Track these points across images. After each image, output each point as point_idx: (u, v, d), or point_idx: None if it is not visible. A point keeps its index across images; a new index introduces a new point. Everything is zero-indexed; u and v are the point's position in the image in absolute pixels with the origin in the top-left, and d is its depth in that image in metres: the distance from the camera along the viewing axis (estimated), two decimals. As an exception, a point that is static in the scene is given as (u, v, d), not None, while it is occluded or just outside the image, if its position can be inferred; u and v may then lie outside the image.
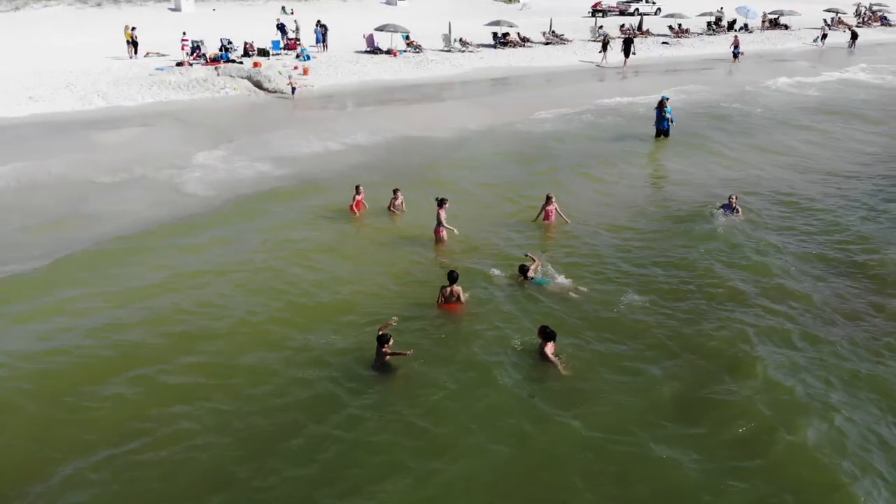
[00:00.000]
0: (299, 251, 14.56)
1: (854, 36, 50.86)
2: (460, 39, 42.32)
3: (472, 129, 24.96)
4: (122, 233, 15.08)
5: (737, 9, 56.51)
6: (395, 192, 17.06)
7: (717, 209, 16.90)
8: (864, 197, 18.82)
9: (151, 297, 12.36)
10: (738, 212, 16.66)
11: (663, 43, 48.37)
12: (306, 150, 21.87)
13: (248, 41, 35.74)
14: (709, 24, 55.26)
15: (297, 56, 36.05)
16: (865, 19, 63.04)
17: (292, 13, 49.21)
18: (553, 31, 47.42)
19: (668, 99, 24.54)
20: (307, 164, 20.57)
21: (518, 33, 44.92)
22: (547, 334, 10.75)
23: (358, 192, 16.76)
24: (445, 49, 41.18)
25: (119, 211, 16.43)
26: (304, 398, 9.83)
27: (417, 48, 40.32)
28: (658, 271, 13.83)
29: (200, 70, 30.60)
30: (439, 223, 15.27)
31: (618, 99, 30.71)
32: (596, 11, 61.69)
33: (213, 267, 13.61)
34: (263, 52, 35.62)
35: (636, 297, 12.61)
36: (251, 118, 25.62)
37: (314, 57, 36.26)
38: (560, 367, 10.52)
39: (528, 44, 44.62)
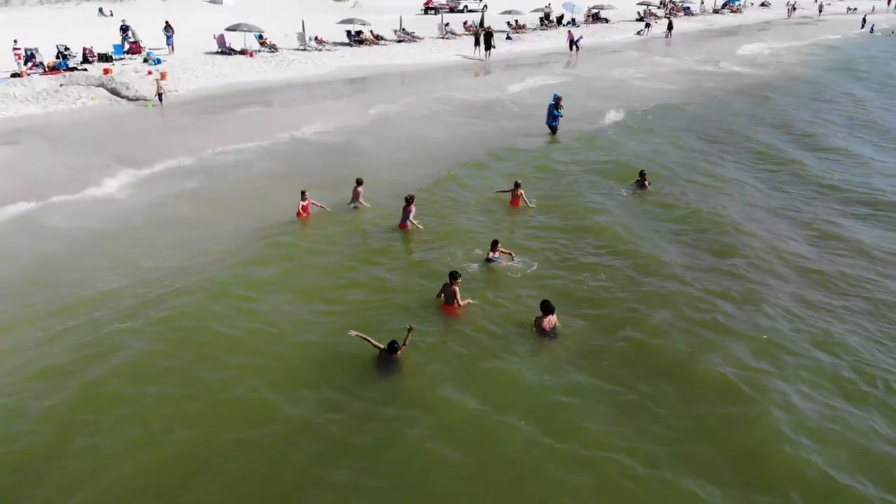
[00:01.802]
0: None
1: (670, 26, 56.05)
2: (315, 38, 41.00)
3: (361, 128, 24.51)
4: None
5: (563, 4, 59.92)
6: (357, 181, 16.77)
7: (632, 184, 18.79)
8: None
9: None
10: (648, 185, 18.61)
11: (507, 38, 50.11)
12: (211, 159, 20.16)
13: (88, 46, 32.06)
14: (541, 19, 58.15)
15: (145, 60, 32.92)
16: (671, 10, 69.60)
17: (111, 14, 45.05)
18: (403, 29, 47.41)
19: (560, 97, 25.32)
20: (219, 173, 18.94)
21: (371, 31, 44.39)
22: (546, 308, 11.26)
23: (303, 198, 15.94)
24: (301, 48, 39.69)
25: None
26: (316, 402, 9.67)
27: (272, 48, 38.48)
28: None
29: (43, 80, 26.94)
30: (406, 218, 15.35)
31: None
32: (428, 9, 62.82)
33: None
34: (106, 58, 32.15)
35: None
36: (125, 129, 23.00)
37: (164, 60, 33.33)
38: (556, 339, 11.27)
39: (383, 41, 44.23)
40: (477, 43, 43.09)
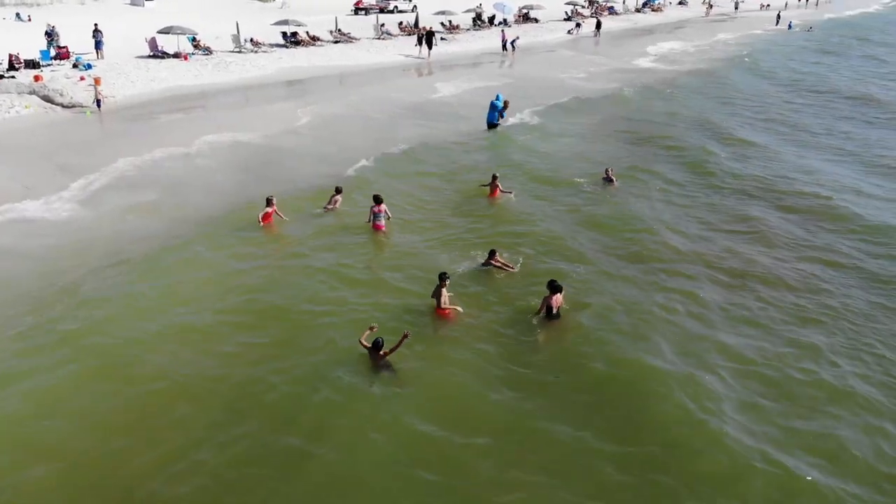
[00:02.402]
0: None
1: (598, 25, 57.61)
2: (251, 40, 40.24)
3: (310, 130, 24.40)
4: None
5: (494, 5, 60.60)
6: (336, 189, 16.83)
7: (599, 180, 19.37)
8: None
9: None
10: (614, 181, 19.07)
11: (442, 39, 50.34)
12: (162, 166, 19.57)
13: (13, 53, 30.47)
14: (473, 20, 58.71)
15: (74, 66, 31.55)
16: (596, 10, 71.41)
17: (29, 19, 42.99)
18: (339, 30, 47.04)
19: (507, 101, 26.11)
20: (173, 181, 18.43)
21: (307, 32, 43.86)
22: (554, 287, 11.69)
23: (269, 204, 15.78)
24: (236, 50, 38.90)
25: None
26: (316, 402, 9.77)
27: (207, 50, 37.55)
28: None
29: (-34, 88, 25.50)
30: (377, 218, 15.42)
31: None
32: (358, 9, 62.66)
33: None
34: (33, 64, 30.63)
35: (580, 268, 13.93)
36: (68, 138, 21.96)
37: (94, 65, 32.03)
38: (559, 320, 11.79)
39: (319, 42, 43.78)
40: (420, 42, 43.56)
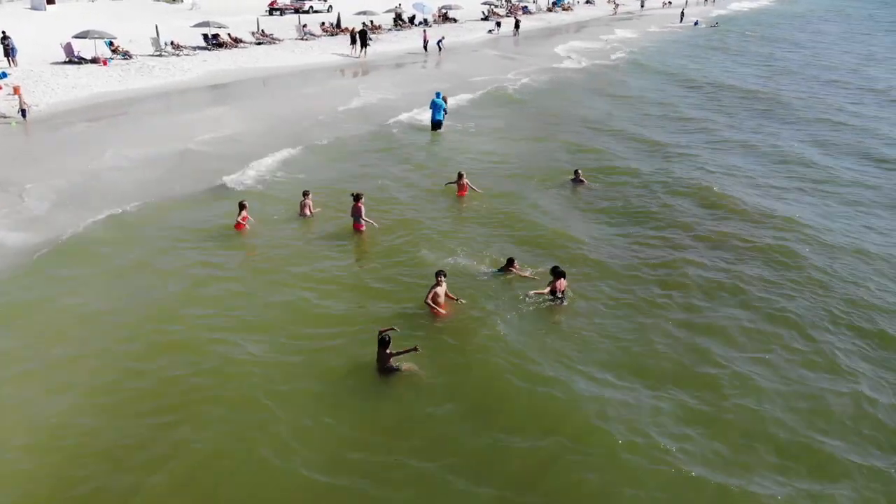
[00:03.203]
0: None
1: (517, 25, 58.83)
2: (171, 42, 38.90)
3: (256, 135, 23.91)
4: None
5: (413, 5, 60.87)
6: (304, 194, 16.60)
7: (568, 181, 19.68)
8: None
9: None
10: (583, 182, 19.46)
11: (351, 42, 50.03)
12: (108, 176, 18.79)
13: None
14: (394, 20, 58.74)
15: (-14, 74, 29.70)
16: (511, 10, 72.78)
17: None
18: (262, 31, 46.10)
19: (443, 95, 26.37)
20: (121, 192, 17.72)
21: (229, 34, 42.79)
22: (557, 273, 12.39)
23: (242, 209, 15.46)
24: (156, 53, 37.57)
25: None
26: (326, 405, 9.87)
27: (126, 54, 36.08)
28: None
29: None
30: (357, 217, 15.37)
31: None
32: (273, 10, 61.79)
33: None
34: (-61, 74, 28.66)
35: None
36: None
37: (9, 73, 30.19)
38: (567, 300, 12.49)
39: (242, 44, 42.81)
40: (353, 42, 43.44)
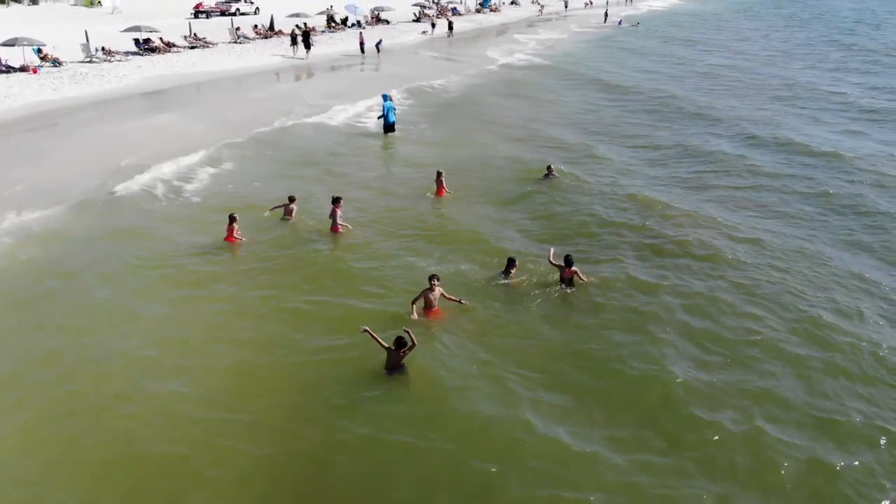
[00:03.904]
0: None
1: (450, 26, 59.37)
2: (102, 48, 37.49)
3: (210, 141, 23.42)
4: None
5: (346, 6, 60.58)
6: (290, 199, 16.57)
7: (542, 177, 20.05)
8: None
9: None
10: (554, 177, 20.00)
11: (291, 44, 49.48)
12: (66, 190, 18.08)
13: None
14: (327, 22, 58.27)
15: None
16: (440, 11, 73.32)
17: None
18: (195, 35, 44.93)
19: (390, 97, 26.59)
20: (93, 207, 17.19)
21: (161, 38, 41.55)
22: (568, 261, 13.18)
23: (231, 222, 15.24)
24: (87, 60, 36.19)
25: None
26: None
27: (56, 62, 34.57)
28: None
29: None
30: (335, 221, 15.55)
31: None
32: (199, 13, 60.57)
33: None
34: None
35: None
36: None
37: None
38: (584, 279, 13.31)
39: (175, 49, 41.65)
40: (294, 43, 43.38)
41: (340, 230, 15.56)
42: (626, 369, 10.94)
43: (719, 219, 17.11)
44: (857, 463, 8.97)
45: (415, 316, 12.03)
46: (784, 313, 12.56)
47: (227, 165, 21.19)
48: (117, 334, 11.51)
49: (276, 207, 16.44)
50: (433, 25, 60.21)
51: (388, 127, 26.08)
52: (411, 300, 12.31)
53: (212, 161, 21.46)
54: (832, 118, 29.76)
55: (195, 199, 18.24)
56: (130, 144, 22.34)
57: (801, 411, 9.98)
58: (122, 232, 15.77)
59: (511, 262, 13.63)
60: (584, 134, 26.80)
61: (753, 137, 25.79)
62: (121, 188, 18.48)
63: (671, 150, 24.41)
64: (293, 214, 16.46)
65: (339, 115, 28.66)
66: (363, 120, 28.20)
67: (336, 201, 15.61)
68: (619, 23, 75.06)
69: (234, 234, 15.18)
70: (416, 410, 10.01)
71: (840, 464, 8.93)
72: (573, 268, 13.26)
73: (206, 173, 20.31)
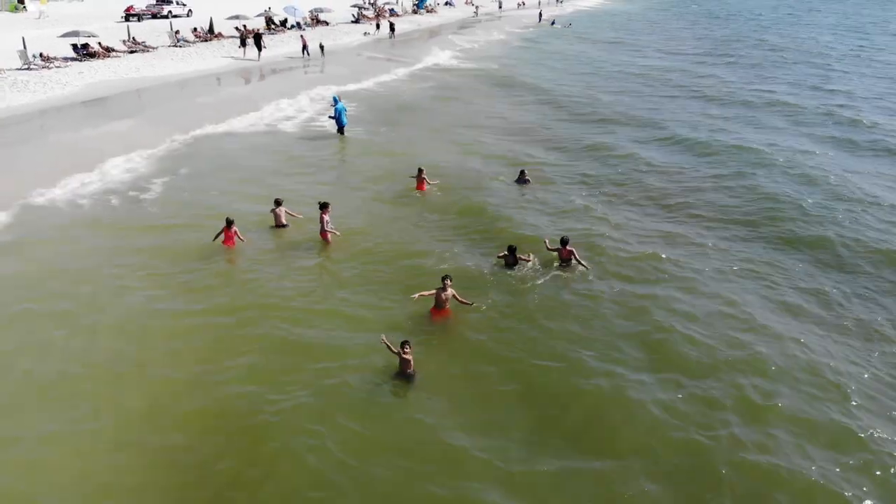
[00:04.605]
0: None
1: (392, 27, 59.87)
2: (40, 55, 36.52)
3: (173, 155, 23.36)
4: None
5: (284, 8, 60.34)
6: (276, 202, 16.57)
7: (515, 180, 20.74)
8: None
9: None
10: (529, 181, 20.65)
11: (242, 44, 49.19)
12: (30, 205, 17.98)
13: None
14: (267, 23, 57.88)
15: None
16: (378, 12, 73.61)
17: None
18: (133, 39, 44.08)
19: (339, 99, 26.91)
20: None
21: (99, 43, 40.66)
22: (564, 241, 14.35)
23: (229, 226, 15.34)
24: (24, 67, 35.17)
25: None
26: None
27: (-9, 69, 33.58)
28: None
29: None
30: (323, 227, 15.65)
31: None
32: (130, 16, 59.27)
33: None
34: None
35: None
36: None
37: None
38: (580, 261, 14.42)
39: (115, 53, 40.79)
40: (243, 45, 43.82)
41: (328, 237, 15.65)
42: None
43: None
44: (790, 465, 9.40)
45: (415, 296, 12.50)
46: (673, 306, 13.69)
47: (183, 171, 21.22)
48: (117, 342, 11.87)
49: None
50: (378, 27, 60.66)
51: (340, 128, 26.48)
52: (422, 292, 12.67)
53: (167, 169, 21.40)
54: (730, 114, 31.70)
55: (152, 210, 18.18)
56: (85, 152, 22.11)
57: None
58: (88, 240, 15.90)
59: (512, 250, 14.39)
60: (530, 142, 27.87)
61: (686, 140, 27.03)
62: (86, 199, 18.49)
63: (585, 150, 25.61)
64: (283, 219, 16.53)
65: (292, 118, 28.88)
66: (317, 122, 28.50)
67: (323, 207, 15.56)
68: (553, 23, 77.01)
69: (234, 238, 15.29)
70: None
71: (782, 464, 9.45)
72: (569, 247, 14.38)
73: (160, 182, 20.22)
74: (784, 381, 11.06)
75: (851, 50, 57.32)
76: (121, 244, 15.86)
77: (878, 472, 9.27)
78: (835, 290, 14.36)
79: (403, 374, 10.94)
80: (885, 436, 9.92)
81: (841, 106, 33.56)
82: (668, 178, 22.10)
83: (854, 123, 30.07)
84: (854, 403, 10.56)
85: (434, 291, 12.62)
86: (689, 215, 18.68)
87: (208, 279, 14.20)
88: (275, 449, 9.45)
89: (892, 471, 9.30)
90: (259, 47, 43.23)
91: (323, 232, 15.68)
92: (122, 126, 25.88)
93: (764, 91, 37.41)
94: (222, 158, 23.14)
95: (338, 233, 15.78)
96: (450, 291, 12.65)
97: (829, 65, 47.96)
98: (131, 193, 19.34)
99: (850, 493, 8.81)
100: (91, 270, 14.44)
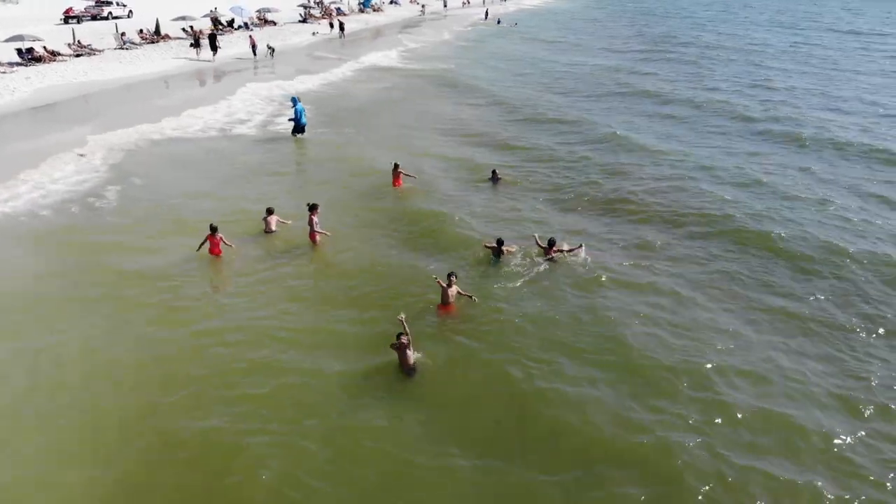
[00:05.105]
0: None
1: (341, 26, 60.09)
2: (-18, 59, 35.76)
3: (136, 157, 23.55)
4: None
5: (231, 8, 59.97)
6: (268, 210, 16.68)
7: (488, 179, 21.42)
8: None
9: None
10: (499, 180, 21.29)
11: (192, 45, 48.76)
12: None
13: None
14: (214, 24, 57.32)
15: None
16: (325, 12, 73.56)
17: None
18: (79, 42, 43.30)
19: (298, 99, 27.15)
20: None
21: (44, 47, 39.87)
22: (551, 242, 15.20)
23: (213, 233, 15.26)
24: (-35, 72, 34.43)
25: None
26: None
27: (-67, 75, 32.74)
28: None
29: None
30: (312, 228, 15.82)
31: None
32: (69, 18, 58.03)
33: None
34: None
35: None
36: None
37: None
38: (566, 255, 15.28)
39: (61, 57, 40.08)
40: (197, 45, 43.89)
41: (318, 238, 15.80)
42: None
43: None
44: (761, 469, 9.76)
45: (436, 278, 13.42)
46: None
47: (136, 181, 21.02)
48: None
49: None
50: (331, 26, 60.91)
51: (300, 128, 26.68)
52: (438, 278, 13.48)
53: (125, 175, 21.35)
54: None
55: (110, 219, 18.05)
56: (38, 159, 22.07)
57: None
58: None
59: (500, 243, 15.16)
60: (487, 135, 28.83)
61: (625, 141, 27.68)
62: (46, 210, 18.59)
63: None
64: (274, 226, 16.62)
65: (246, 121, 29.21)
66: (274, 124, 28.78)
67: (312, 208, 15.71)
68: (499, 21, 78.19)
69: (220, 245, 15.26)
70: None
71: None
72: (554, 249, 15.21)
73: (114, 191, 20.01)
74: (742, 382, 11.52)
75: (790, 46, 59.71)
76: (82, 256, 15.67)
77: (831, 470, 9.83)
78: (781, 287, 15.00)
79: (405, 369, 11.30)
80: (839, 429, 10.50)
81: (777, 102, 34.93)
82: (615, 179, 22.46)
83: (788, 121, 31.05)
84: (822, 406, 11.10)
85: (444, 283, 13.21)
86: (632, 214, 19.33)
87: (173, 301, 13.96)
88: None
89: (844, 468, 9.81)
90: (214, 48, 43.18)
91: (312, 233, 15.83)
92: (74, 132, 25.66)
93: (701, 90, 38.71)
94: (178, 163, 23.14)
95: (328, 233, 16.03)
96: (455, 288, 13.16)
97: (763, 62, 49.92)
98: (89, 200, 19.14)
99: (808, 491, 9.29)
100: (47, 288, 14.16)
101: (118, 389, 11.04)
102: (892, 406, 11.16)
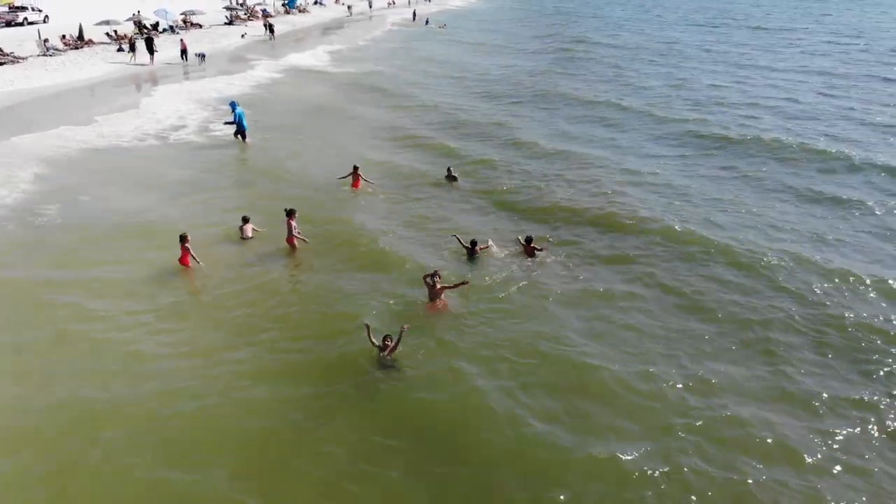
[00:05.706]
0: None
1: (271, 28, 60.02)
2: None
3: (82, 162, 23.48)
4: None
5: (155, 12, 58.85)
6: (243, 219, 16.77)
7: (445, 178, 22.08)
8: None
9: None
10: (456, 178, 22.02)
11: (119, 50, 47.93)
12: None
13: None
14: (139, 28, 56.21)
15: None
16: (250, 14, 72.93)
17: None
18: (0, 49, 41.94)
19: (237, 104, 27.31)
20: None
21: (-38, 55, 38.62)
22: (528, 239, 16.28)
23: (184, 242, 15.20)
24: None
25: None
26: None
27: None
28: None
29: None
30: (290, 233, 16.00)
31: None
32: (-21, 23, 55.99)
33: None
34: None
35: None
36: None
37: None
38: (546, 254, 16.11)
39: (-22, 65, 38.90)
40: (132, 49, 43.65)
41: (296, 242, 15.92)
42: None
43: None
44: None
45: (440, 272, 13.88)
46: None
47: (84, 197, 20.49)
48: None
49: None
50: (267, 27, 60.70)
51: (241, 133, 26.71)
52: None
53: (67, 189, 20.93)
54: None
55: (59, 235, 17.57)
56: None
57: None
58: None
59: (474, 244, 15.87)
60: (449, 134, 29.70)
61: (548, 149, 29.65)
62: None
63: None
64: (249, 233, 16.75)
65: (182, 127, 29.28)
66: (210, 130, 28.85)
67: (290, 213, 15.81)
68: (427, 22, 79.30)
69: (188, 258, 15.10)
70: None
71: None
72: (532, 245, 16.19)
73: (55, 206, 19.36)
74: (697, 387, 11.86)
75: (708, 45, 61.44)
76: (31, 274, 15.43)
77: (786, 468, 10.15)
78: (694, 293, 15.15)
79: (382, 363, 11.64)
80: (786, 430, 10.81)
81: (699, 103, 35.65)
82: (548, 184, 22.66)
83: (704, 122, 31.24)
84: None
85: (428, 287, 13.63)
86: (560, 220, 19.48)
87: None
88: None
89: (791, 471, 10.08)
90: (151, 51, 42.69)
91: (290, 237, 15.92)
92: (6, 144, 25.23)
93: (628, 92, 39.71)
94: (118, 173, 22.97)
95: (306, 240, 16.13)
96: (438, 286, 13.42)
97: (680, 63, 51.51)
98: (28, 219, 18.48)
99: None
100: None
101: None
102: (825, 395, 11.67)
